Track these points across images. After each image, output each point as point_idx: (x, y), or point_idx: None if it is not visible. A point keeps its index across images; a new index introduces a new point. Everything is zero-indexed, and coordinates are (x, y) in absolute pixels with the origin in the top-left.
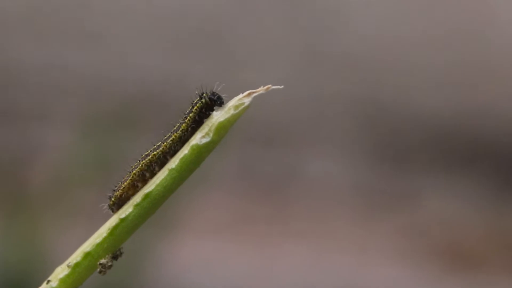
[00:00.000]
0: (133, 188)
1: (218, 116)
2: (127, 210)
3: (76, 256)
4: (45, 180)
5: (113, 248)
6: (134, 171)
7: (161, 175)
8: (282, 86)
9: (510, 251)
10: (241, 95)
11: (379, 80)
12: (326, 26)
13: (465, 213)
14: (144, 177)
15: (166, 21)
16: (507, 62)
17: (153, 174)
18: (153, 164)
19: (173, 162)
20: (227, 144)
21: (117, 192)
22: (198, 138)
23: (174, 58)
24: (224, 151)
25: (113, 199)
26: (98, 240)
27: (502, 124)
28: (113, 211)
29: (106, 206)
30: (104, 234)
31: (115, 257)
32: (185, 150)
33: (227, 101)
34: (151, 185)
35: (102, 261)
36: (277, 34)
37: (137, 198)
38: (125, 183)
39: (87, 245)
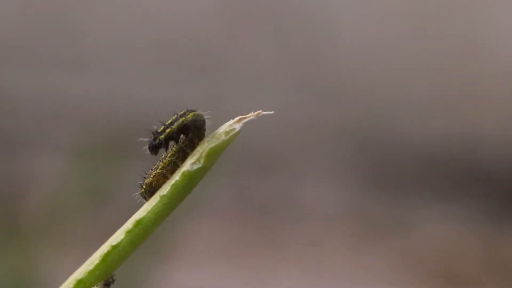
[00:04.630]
0: (163, 178)
1: (208, 142)
2: (119, 237)
3: (68, 284)
4: (37, 208)
5: (105, 275)
6: (165, 160)
7: (153, 202)
8: (272, 112)
9: (505, 275)
10: (231, 121)
11: (372, 108)
12: (319, 54)
13: (459, 238)
14: (176, 166)
15: (156, 50)
16: (497, 89)
17: (183, 161)
18: (182, 153)
19: (164, 189)
20: (221, 170)
21: (148, 180)
22: (189, 165)
23: (165, 86)
24: (218, 177)
25: (144, 186)
26: (90, 267)
27: (493, 149)
28: (146, 199)
29: (138, 194)
30: (96, 261)
31: (107, 284)
32: (176, 177)
33: (218, 127)
34: (143, 212)
35: None
36: (269, 61)
37: (129, 224)
38: (156, 171)
39: (79, 272)
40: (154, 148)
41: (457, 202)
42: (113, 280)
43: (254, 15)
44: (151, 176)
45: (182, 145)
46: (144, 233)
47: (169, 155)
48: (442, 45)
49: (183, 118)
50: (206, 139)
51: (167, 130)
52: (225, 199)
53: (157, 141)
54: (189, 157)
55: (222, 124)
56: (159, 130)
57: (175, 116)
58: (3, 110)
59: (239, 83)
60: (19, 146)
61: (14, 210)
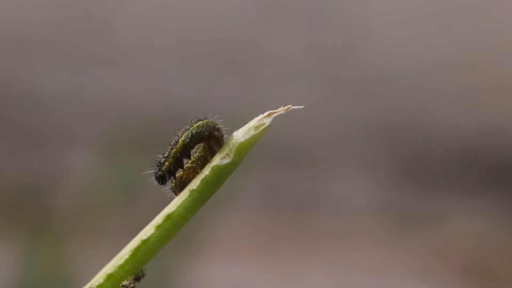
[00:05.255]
0: (193, 172)
1: (238, 137)
2: (148, 231)
3: (98, 278)
4: (69, 203)
5: (135, 270)
6: (195, 155)
7: (183, 196)
8: (302, 106)
9: None
10: (261, 116)
11: (404, 103)
12: (350, 49)
13: (490, 231)
14: (205, 161)
15: (188, 46)
16: None
17: (212, 155)
18: (210, 150)
19: (194, 183)
20: (251, 165)
21: (178, 174)
22: (219, 159)
23: (195, 80)
24: (248, 172)
25: (174, 181)
26: (121, 262)
27: None
28: (176, 194)
29: (168, 189)
30: (126, 256)
31: (137, 278)
32: (206, 171)
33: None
34: (173, 206)
35: (125, 283)
36: (301, 56)
37: (159, 219)
38: (186, 166)
39: (110, 267)
40: (162, 179)
41: (489, 196)
42: (143, 275)
43: (286, 10)
44: (182, 171)
45: (202, 153)
46: (174, 227)
47: (198, 150)
48: (475, 39)
49: (181, 141)
50: (235, 134)
51: (166, 163)
52: (255, 193)
53: (160, 172)
54: (219, 152)
55: (252, 118)
56: (161, 161)
57: (176, 137)
58: (36, 107)
59: (270, 78)
60: (52, 141)
61: (46, 205)
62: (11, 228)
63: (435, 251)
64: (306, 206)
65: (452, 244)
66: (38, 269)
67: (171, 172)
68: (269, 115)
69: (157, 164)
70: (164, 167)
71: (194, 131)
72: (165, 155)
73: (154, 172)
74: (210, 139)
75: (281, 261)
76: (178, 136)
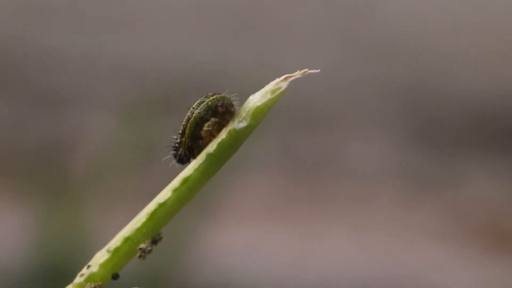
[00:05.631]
0: (210, 136)
1: (255, 101)
2: (165, 195)
3: (115, 241)
4: (86, 165)
5: (153, 233)
6: (212, 120)
7: (199, 160)
8: (318, 70)
9: None
10: (277, 80)
11: (421, 64)
12: (367, 9)
13: (508, 193)
14: (221, 126)
15: (204, 6)
16: None
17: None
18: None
19: (211, 147)
20: (268, 127)
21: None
22: (235, 123)
23: (212, 43)
24: (265, 134)
25: (182, 147)
26: (138, 225)
27: None
28: (192, 157)
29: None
30: (144, 219)
31: (154, 242)
32: (222, 135)
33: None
34: (190, 170)
35: (142, 246)
36: (317, 18)
37: (176, 183)
38: (204, 129)
39: (127, 230)
40: (182, 161)
41: (507, 158)
42: (160, 238)
43: None
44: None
45: (218, 119)
46: (190, 191)
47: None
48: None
49: (197, 113)
50: (251, 97)
51: (183, 140)
52: (272, 156)
53: (180, 153)
54: (236, 116)
55: (268, 82)
56: (178, 140)
57: (190, 110)
58: (53, 69)
59: (286, 40)
60: (70, 104)
61: (64, 167)
62: (29, 190)
63: (453, 213)
64: (323, 168)
65: (470, 206)
66: (55, 231)
67: (190, 148)
68: (286, 79)
69: (174, 146)
70: (181, 149)
71: (210, 103)
72: (180, 132)
73: (173, 155)
74: (225, 115)
75: (298, 224)
76: (192, 108)
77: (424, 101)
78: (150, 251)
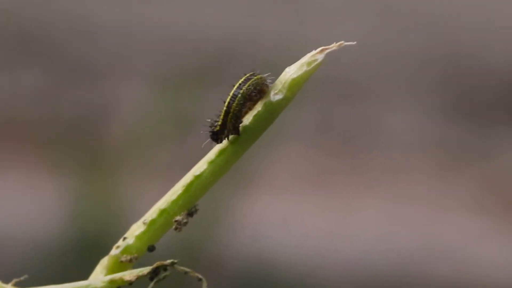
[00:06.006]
0: (246, 109)
1: (291, 73)
2: (201, 167)
3: (151, 213)
4: (122, 136)
5: (188, 205)
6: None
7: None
8: (355, 42)
9: None
10: (313, 52)
11: (458, 35)
12: None
13: None
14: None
15: None
16: None
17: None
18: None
19: (247, 119)
20: (304, 99)
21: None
22: (271, 95)
23: (248, 14)
24: (301, 106)
25: (219, 123)
26: (173, 197)
27: None
28: (218, 141)
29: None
30: (179, 191)
31: (190, 214)
32: (258, 107)
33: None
34: (226, 142)
35: (178, 218)
36: None
37: (211, 155)
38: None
39: (163, 202)
40: (220, 140)
41: None
42: (196, 210)
43: None
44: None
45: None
46: (226, 163)
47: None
48: None
49: (235, 105)
50: (287, 69)
51: (228, 120)
52: (308, 128)
53: (220, 132)
54: (272, 88)
55: (304, 54)
56: (219, 121)
57: (228, 100)
58: (89, 39)
59: (322, 12)
60: (104, 74)
61: (99, 138)
62: (65, 161)
63: (489, 185)
64: (359, 139)
65: (506, 178)
66: (91, 203)
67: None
68: (322, 51)
69: (213, 125)
70: (221, 128)
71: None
72: (224, 111)
73: (212, 134)
74: (260, 94)
75: (333, 195)
76: (238, 86)
77: (461, 72)
78: (186, 223)
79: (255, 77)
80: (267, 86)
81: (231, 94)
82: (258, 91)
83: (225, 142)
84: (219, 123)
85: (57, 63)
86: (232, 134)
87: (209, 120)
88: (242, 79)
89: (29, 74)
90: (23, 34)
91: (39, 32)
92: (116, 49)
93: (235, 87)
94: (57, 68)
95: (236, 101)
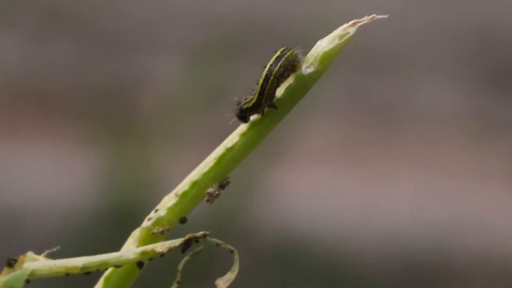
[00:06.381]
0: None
1: (323, 46)
2: (233, 139)
3: (183, 185)
4: (153, 108)
5: (220, 177)
6: (280, 62)
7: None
8: (387, 16)
9: None
10: (345, 25)
11: (493, 6)
12: None
13: None
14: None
15: None
16: None
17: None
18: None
19: (279, 92)
20: (336, 71)
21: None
22: (303, 68)
23: None
24: (333, 78)
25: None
26: (205, 169)
27: None
28: (245, 120)
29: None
30: (211, 164)
31: (222, 186)
32: (290, 80)
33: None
34: (257, 115)
35: (209, 190)
36: None
37: (243, 127)
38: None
39: (194, 174)
40: (245, 117)
41: None
42: (228, 182)
43: None
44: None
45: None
46: (258, 135)
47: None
48: None
49: (272, 77)
50: (319, 43)
51: (262, 99)
52: (341, 99)
53: (246, 107)
54: (303, 61)
55: (336, 27)
56: (252, 100)
57: (260, 83)
58: (121, 11)
59: None
60: (137, 46)
61: (131, 109)
62: (98, 133)
63: None
64: (391, 111)
65: None
66: (123, 174)
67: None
68: (354, 24)
69: (244, 105)
70: (250, 106)
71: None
72: (253, 101)
73: (241, 113)
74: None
75: (366, 167)
76: (270, 66)
77: (494, 44)
78: (217, 195)
79: (286, 55)
80: (298, 61)
81: (263, 75)
82: (290, 67)
83: (255, 117)
84: (253, 101)
85: (89, 35)
86: (269, 107)
87: (235, 99)
88: (273, 58)
89: (61, 46)
90: (56, 7)
91: (71, 5)
92: (148, 22)
93: (267, 67)
94: (89, 40)
95: (269, 83)
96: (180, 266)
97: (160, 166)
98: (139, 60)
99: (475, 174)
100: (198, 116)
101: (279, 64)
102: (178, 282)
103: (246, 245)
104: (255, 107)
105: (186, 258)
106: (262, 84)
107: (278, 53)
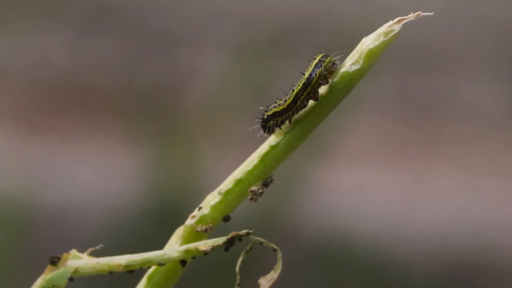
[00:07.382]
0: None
1: (368, 43)
2: (277, 137)
3: (227, 183)
4: (198, 106)
5: (264, 175)
6: (326, 60)
7: (311, 103)
8: (432, 13)
9: None
10: (391, 22)
11: None
12: None
13: None
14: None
15: None
16: None
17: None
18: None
19: (324, 90)
20: (381, 68)
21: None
22: (348, 65)
23: None
24: (378, 76)
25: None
26: (249, 167)
27: None
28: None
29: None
30: (255, 161)
31: (265, 184)
32: (334, 78)
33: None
34: (301, 113)
35: (253, 188)
36: None
37: (287, 125)
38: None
39: (238, 172)
40: (267, 128)
41: None
42: (272, 180)
43: None
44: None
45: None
46: (302, 133)
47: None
48: None
49: (314, 82)
50: (364, 40)
51: (296, 105)
52: (385, 98)
53: (269, 115)
54: (348, 58)
55: (381, 24)
56: (285, 105)
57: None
58: (166, 9)
59: None
60: (182, 43)
61: (176, 107)
62: (143, 130)
63: None
64: (436, 110)
65: None
66: (168, 172)
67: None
68: (399, 21)
69: (264, 119)
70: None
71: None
72: (283, 107)
73: (265, 123)
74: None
75: (409, 166)
76: (309, 74)
77: None
78: (261, 193)
79: (325, 62)
80: (336, 66)
81: (301, 84)
82: (328, 75)
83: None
84: (282, 107)
85: (135, 33)
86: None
87: (262, 108)
88: (312, 65)
89: (106, 44)
90: (102, 4)
91: (117, 3)
92: (193, 19)
93: (306, 75)
94: (134, 38)
95: (305, 93)
96: (237, 268)
97: (204, 164)
98: (184, 58)
99: None
100: (243, 113)
101: (317, 73)
102: (238, 285)
103: (290, 244)
104: (282, 113)
105: (241, 258)
106: (297, 93)
107: (317, 59)
